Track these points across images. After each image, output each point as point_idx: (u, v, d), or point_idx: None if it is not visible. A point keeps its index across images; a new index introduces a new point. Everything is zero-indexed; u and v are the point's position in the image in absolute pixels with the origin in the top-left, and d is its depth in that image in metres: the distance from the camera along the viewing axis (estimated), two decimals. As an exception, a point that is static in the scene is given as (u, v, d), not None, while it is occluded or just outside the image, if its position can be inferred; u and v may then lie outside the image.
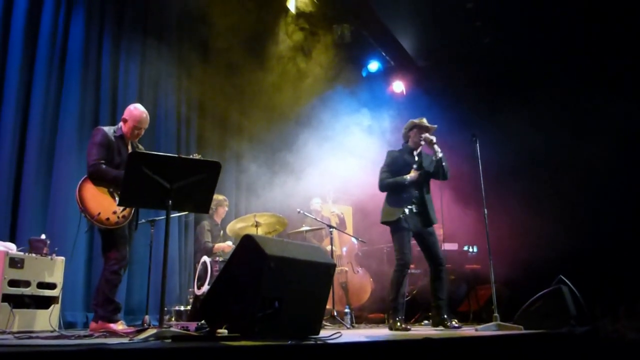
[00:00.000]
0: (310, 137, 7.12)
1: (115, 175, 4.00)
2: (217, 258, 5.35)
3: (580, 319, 4.23)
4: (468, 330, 4.44)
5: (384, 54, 9.00)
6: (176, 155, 3.32)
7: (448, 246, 6.79)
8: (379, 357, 2.56)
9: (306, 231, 6.27)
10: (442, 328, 4.59)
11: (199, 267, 5.31)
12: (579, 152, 6.39)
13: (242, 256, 2.99)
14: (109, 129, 4.20)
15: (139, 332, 2.99)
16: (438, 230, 6.91)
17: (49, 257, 4.19)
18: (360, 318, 6.76)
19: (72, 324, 4.96)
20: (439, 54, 8.47)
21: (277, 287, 2.87)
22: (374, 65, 9.04)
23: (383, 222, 4.95)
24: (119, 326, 3.89)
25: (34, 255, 4.11)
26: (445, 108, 7.51)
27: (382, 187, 4.98)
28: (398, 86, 9.18)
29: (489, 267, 4.64)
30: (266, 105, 7.62)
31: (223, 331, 2.88)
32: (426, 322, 5.97)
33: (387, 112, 7.98)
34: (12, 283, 3.91)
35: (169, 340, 2.63)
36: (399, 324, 4.54)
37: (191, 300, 5.43)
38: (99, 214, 3.90)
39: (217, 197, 6.11)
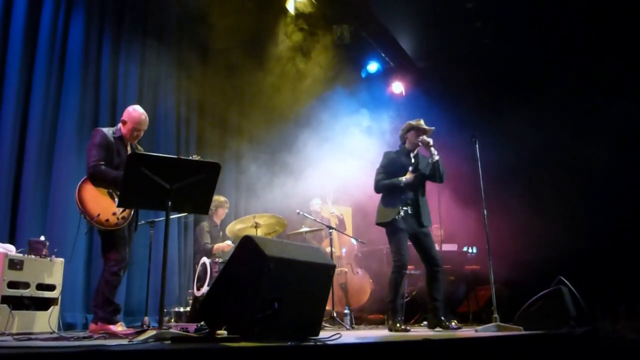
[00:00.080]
0: (310, 138, 7.12)
1: (115, 176, 3.99)
2: (217, 259, 5.34)
3: (580, 320, 4.23)
4: (468, 331, 4.44)
5: (383, 54, 9.00)
6: (176, 156, 3.32)
7: (448, 247, 6.78)
8: (378, 358, 2.55)
9: (306, 232, 6.27)
10: (440, 329, 4.58)
11: (199, 268, 5.30)
12: (579, 152, 6.38)
13: (241, 257, 2.99)
14: (108, 130, 4.20)
15: (139, 333, 2.99)
16: (438, 231, 6.91)
17: (49, 258, 4.19)
18: (359, 319, 6.75)
19: (71, 325, 4.95)
20: (438, 54, 8.47)
21: (276, 288, 2.87)
22: (373, 66, 9.04)
23: (378, 224, 4.95)
24: (119, 327, 3.89)
25: (33, 256, 4.11)
26: (444, 109, 7.50)
27: (378, 188, 4.98)
28: (397, 87, 9.18)
29: (488, 268, 4.64)
30: (266, 105, 7.62)
31: (222, 332, 2.87)
32: (426, 322, 5.95)
33: (386, 113, 7.98)
34: (12, 284, 3.91)
35: (169, 342, 2.63)
36: (398, 324, 4.54)
37: (191, 302, 5.42)
38: (99, 215, 3.90)
39: (218, 198, 6.11)
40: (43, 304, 4.11)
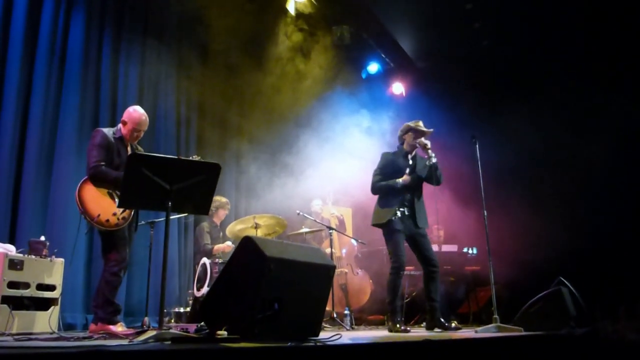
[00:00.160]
0: (310, 138, 7.12)
1: (115, 176, 3.99)
2: (217, 260, 5.34)
3: (580, 320, 4.23)
4: (468, 332, 4.43)
5: (383, 55, 8.99)
6: (176, 157, 3.32)
7: (448, 248, 6.78)
8: (378, 359, 2.55)
9: (306, 233, 6.27)
10: (439, 330, 4.58)
11: (199, 268, 5.30)
12: (579, 152, 6.37)
13: (241, 258, 2.99)
14: (108, 131, 4.20)
15: (139, 333, 2.99)
16: (438, 232, 6.90)
17: (49, 258, 4.19)
18: (359, 320, 6.75)
19: (71, 325, 4.96)
20: (438, 55, 8.46)
21: (276, 288, 2.87)
22: (373, 67, 9.04)
23: (374, 225, 4.95)
24: (119, 328, 3.89)
25: (33, 256, 4.11)
26: (444, 109, 7.50)
27: (374, 189, 4.98)
28: (397, 88, 9.18)
29: (488, 269, 4.63)
30: (266, 106, 7.62)
31: (223, 333, 2.87)
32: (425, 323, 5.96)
33: (386, 113, 7.98)
34: (12, 285, 3.91)
35: (169, 342, 2.63)
36: (398, 325, 4.54)
37: (191, 302, 5.42)
38: (99, 215, 3.90)
39: (220, 199, 6.11)
40: (43, 304, 4.12)
